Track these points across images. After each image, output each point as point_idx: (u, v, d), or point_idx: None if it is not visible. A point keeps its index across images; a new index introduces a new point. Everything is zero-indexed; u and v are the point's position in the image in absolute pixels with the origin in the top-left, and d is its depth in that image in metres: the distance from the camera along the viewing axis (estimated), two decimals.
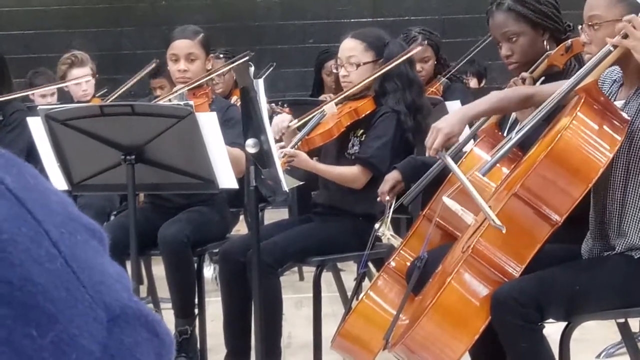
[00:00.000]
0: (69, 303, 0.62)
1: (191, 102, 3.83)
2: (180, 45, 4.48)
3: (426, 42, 5.15)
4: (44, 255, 0.62)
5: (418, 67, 5.04)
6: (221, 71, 5.29)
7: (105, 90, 6.78)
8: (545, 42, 3.76)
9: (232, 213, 5.09)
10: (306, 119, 4.25)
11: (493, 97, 3.36)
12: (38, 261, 0.62)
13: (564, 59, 3.75)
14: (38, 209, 0.64)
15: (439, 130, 3.21)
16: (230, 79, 6.40)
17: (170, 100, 4.31)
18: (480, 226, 3.12)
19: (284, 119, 4.29)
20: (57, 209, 0.66)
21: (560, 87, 3.18)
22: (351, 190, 4.22)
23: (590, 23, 3.21)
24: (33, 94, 6.65)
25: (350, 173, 4.20)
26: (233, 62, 4.38)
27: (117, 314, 0.65)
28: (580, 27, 3.33)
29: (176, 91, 4.42)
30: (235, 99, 6.03)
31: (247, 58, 3.93)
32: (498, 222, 2.95)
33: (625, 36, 3.00)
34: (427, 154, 3.34)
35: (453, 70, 5.83)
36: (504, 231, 2.96)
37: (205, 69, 4.52)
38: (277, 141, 3.95)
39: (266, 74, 7.69)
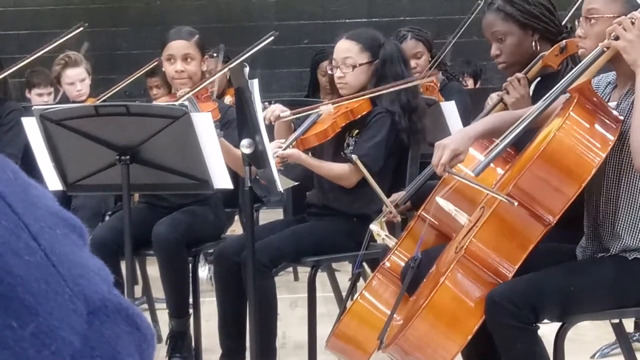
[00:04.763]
0: (49, 295, 0.63)
1: (187, 103, 3.82)
2: (177, 46, 4.47)
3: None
4: (23, 248, 0.63)
5: (412, 63, 5.07)
6: (221, 72, 5.29)
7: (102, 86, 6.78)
8: (534, 43, 3.78)
9: (227, 213, 5.08)
10: (300, 115, 4.25)
11: (490, 120, 3.42)
12: (17, 254, 0.62)
13: (558, 59, 3.76)
14: (18, 202, 0.64)
15: (445, 147, 3.20)
16: (223, 78, 6.39)
17: None
18: (473, 227, 3.12)
19: (277, 108, 4.28)
20: (38, 203, 0.67)
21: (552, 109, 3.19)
22: (346, 191, 4.22)
23: (587, 16, 3.20)
24: (30, 92, 6.66)
25: (341, 170, 4.19)
26: (230, 61, 4.39)
27: (97, 307, 0.65)
28: (577, 20, 3.32)
29: (181, 96, 4.33)
30: (228, 99, 6.02)
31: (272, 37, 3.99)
32: (505, 196, 2.94)
33: (617, 38, 3.00)
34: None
35: (433, 61, 5.81)
36: (515, 205, 2.94)
37: (201, 70, 4.53)
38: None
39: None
